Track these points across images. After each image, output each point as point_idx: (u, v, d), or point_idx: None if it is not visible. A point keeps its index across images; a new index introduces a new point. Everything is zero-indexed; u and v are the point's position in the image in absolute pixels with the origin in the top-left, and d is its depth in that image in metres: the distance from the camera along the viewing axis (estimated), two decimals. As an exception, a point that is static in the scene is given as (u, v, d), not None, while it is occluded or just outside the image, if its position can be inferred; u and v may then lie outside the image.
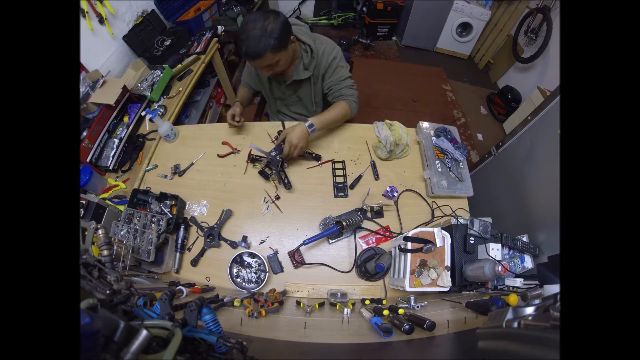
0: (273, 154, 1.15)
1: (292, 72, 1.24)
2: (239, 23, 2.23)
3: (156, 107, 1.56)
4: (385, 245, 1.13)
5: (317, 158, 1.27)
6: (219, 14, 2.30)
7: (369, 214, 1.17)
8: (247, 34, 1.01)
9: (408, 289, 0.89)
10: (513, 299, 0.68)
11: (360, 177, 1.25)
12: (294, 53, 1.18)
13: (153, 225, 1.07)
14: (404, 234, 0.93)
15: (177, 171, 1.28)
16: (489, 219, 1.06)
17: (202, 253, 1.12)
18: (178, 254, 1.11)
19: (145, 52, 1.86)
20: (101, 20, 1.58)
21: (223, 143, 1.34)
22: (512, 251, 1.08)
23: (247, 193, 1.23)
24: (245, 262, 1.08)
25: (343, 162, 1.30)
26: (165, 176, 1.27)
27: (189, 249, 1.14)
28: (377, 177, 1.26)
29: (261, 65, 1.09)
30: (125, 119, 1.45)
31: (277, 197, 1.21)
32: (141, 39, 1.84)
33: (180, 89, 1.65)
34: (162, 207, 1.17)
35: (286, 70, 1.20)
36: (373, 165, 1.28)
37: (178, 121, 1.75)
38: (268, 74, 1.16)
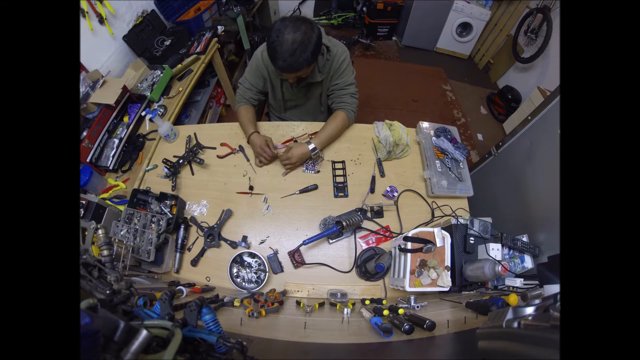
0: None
1: (308, 75, 1.23)
2: (239, 23, 2.23)
3: (156, 107, 1.56)
4: (385, 245, 1.13)
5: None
6: (219, 14, 2.30)
7: (369, 214, 1.17)
8: (282, 47, 0.98)
9: (408, 289, 0.89)
10: (513, 299, 0.68)
11: (373, 178, 1.25)
12: None
13: (153, 225, 1.07)
14: (404, 234, 0.93)
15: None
16: (489, 219, 1.06)
17: (202, 253, 1.12)
18: (178, 254, 1.11)
19: (145, 52, 1.86)
20: (101, 20, 1.58)
21: (222, 144, 1.34)
22: (512, 251, 1.08)
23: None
24: (245, 262, 1.07)
25: (343, 162, 1.30)
26: (166, 176, 1.27)
27: (189, 249, 1.14)
28: (382, 174, 1.27)
29: (293, 76, 1.11)
30: (125, 119, 1.45)
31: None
32: (141, 39, 1.83)
33: (180, 89, 1.65)
34: (162, 207, 1.17)
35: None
36: (379, 163, 1.29)
37: (178, 121, 1.75)
38: (294, 81, 1.17)
